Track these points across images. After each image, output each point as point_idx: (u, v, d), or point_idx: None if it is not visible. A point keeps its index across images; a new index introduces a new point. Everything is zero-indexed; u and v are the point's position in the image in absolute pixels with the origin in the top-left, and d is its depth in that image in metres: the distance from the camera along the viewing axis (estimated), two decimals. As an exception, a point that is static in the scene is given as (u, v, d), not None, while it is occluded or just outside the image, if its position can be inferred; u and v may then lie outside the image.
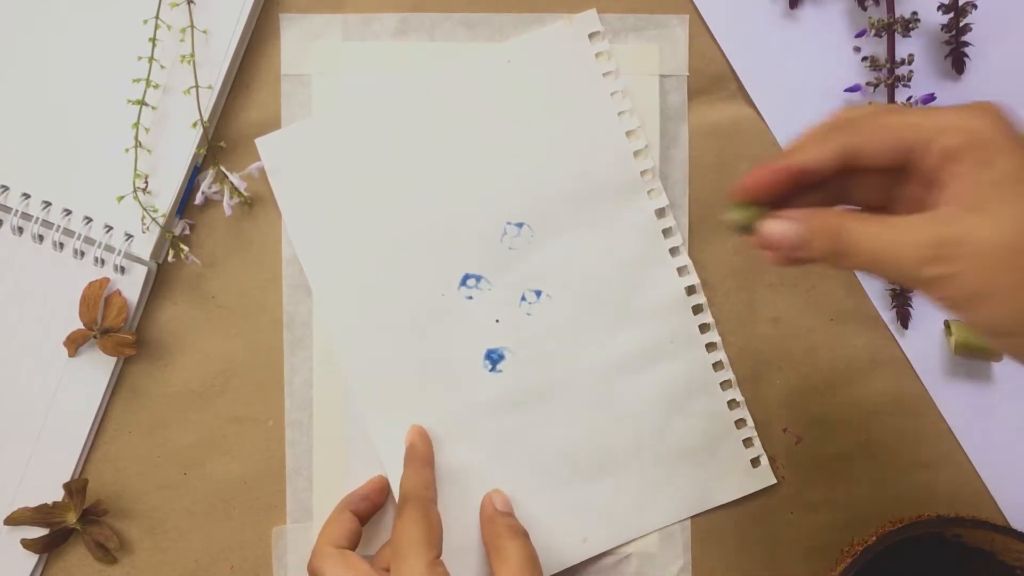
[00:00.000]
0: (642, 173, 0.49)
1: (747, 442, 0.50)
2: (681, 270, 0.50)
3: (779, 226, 0.31)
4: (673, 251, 0.50)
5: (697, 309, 0.50)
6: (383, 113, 0.49)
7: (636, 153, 0.49)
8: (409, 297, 0.49)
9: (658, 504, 0.50)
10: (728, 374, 0.50)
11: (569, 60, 0.49)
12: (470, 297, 0.49)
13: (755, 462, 0.50)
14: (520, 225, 0.49)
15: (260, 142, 0.49)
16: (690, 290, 0.50)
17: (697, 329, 0.50)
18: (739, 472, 0.50)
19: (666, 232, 0.50)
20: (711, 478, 0.50)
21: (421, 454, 0.48)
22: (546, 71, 0.49)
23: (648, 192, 0.49)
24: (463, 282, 0.49)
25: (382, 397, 0.49)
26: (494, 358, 0.50)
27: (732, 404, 0.50)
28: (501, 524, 0.47)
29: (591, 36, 0.50)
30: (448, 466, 0.49)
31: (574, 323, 0.50)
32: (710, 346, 0.50)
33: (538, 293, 0.49)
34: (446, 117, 0.49)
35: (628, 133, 0.49)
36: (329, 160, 0.49)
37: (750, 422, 0.50)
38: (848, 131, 0.31)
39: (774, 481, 0.50)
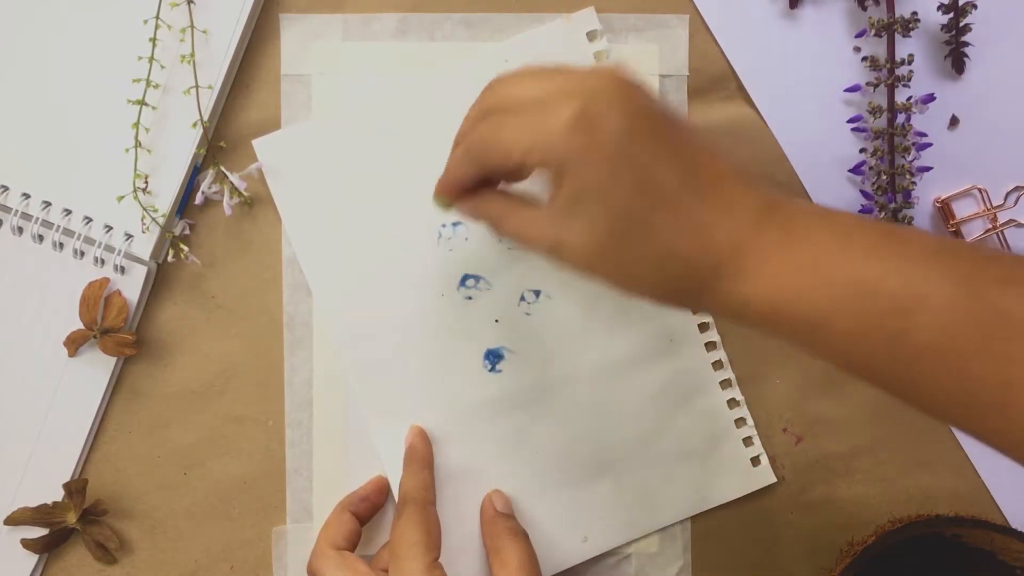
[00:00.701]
0: None
1: (747, 441, 0.50)
2: None
3: (463, 208, 0.41)
4: None
5: None
6: (381, 114, 0.49)
7: None
8: (408, 297, 0.49)
9: (659, 504, 0.50)
10: (728, 373, 0.50)
11: (567, 59, 0.49)
12: (469, 297, 0.49)
13: (755, 461, 0.50)
14: None
15: (258, 143, 0.49)
16: None
17: (696, 328, 0.50)
18: (739, 471, 0.50)
19: None
20: (711, 477, 0.50)
21: (420, 455, 0.48)
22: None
23: None
24: (462, 282, 0.49)
25: (382, 397, 0.49)
26: (493, 358, 0.50)
27: (732, 403, 0.50)
28: (501, 526, 0.47)
29: (589, 34, 0.50)
30: (448, 466, 0.49)
31: (573, 322, 0.49)
32: (709, 345, 0.50)
33: (537, 293, 0.49)
34: (444, 117, 0.49)
35: None
36: (327, 160, 0.49)
37: (750, 421, 0.50)
38: (473, 160, 0.39)
39: (774, 480, 0.50)
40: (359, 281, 0.49)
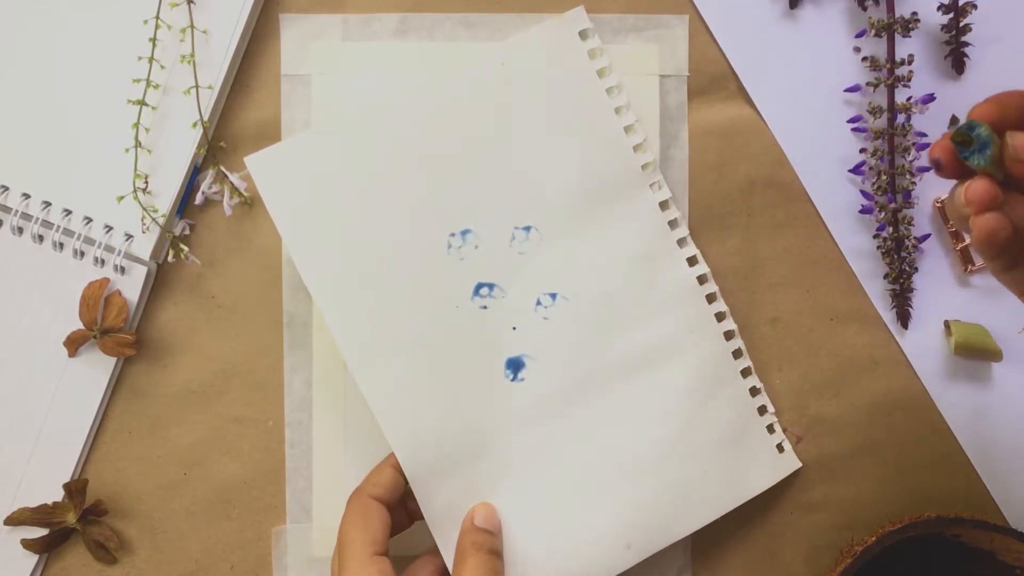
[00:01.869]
0: (643, 167, 0.49)
1: (769, 428, 0.50)
2: (691, 260, 0.49)
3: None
4: (681, 242, 0.49)
5: (711, 298, 0.50)
6: (377, 126, 0.48)
7: (636, 147, 0.49)
8: (422, 312, 0.47)
9: (697, 501, 0.48)
10: (747, 361, 0.50)
11: (563, 59, 0.49)
12: (485, 307, 0.48)
13: (780, 448, 0.50)
14: (528, 228, 0.48)
15: (250, 161, 0.46)
16: (702, 279, 0.50)
17: (713, 318, 0.49)
18: (768, 460, 0.49)
19: (672, 224, 0.49)
20: (742, 469, 0.49)
21: (390, 458, 0.46)
22: (541, 72, 0.49)
23: (651, 185, 0.49)
24: (476, 291, 0.48)
25: (401, 418, 0.47)
26: (515, 366, 0.48)
27: (753, 391, 0.50)
28: (468, 539, 0.45)
29: (581, 33, 0.49)
30: (478, 482, 0.47)
31: (592, 322, 0.48)
32: (728, 334, 0.50)
33: (553, 296, 0.48)
34: (442, 126, 0.48)
35: (627, 128, 0.49)
36: (326, 175, 0.47)
37: (771, 408, 0.50)
38: None
39: (799, 465, 0.50)
40: (369, 299, 0.47)
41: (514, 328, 0.48)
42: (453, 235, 0.48)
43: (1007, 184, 0.33)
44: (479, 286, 0.48)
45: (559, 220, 0.48)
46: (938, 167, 0.34)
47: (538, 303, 0.48)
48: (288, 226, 0.47)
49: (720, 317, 0.50)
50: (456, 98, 0.48)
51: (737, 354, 0.50)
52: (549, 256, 0.48)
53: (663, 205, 0.49)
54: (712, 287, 0.50)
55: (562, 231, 0.49)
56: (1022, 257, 0.34)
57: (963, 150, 0.33)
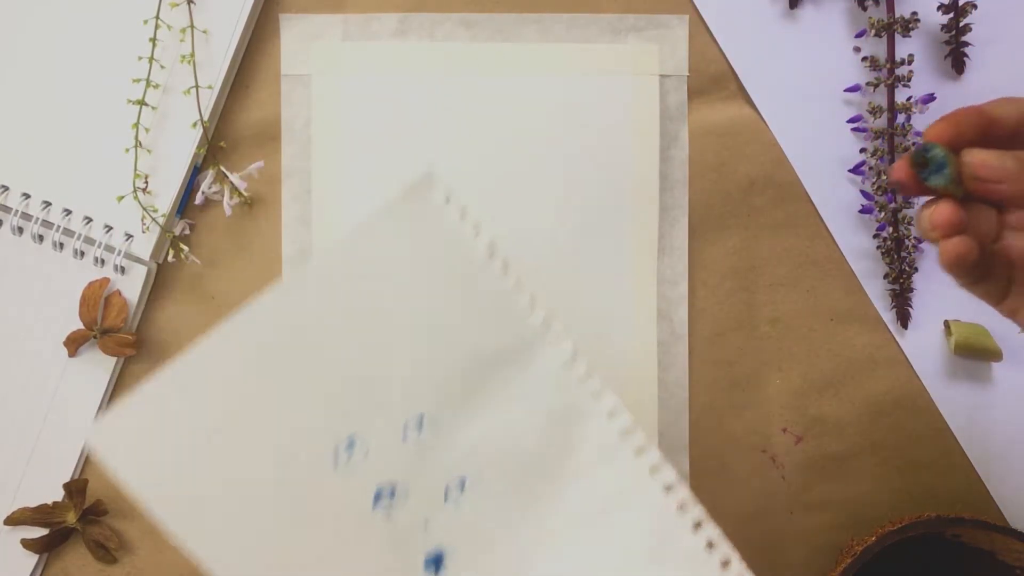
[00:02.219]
0: (541, 323, 0.42)
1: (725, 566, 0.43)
2: (610, 413, 0.42)
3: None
4: (595, 395, 0.43)
5: (640, 451, 0.42)
6: (225, 356, 0.42)
7: (527, 305, 0.42)
8: (323, 540, 0.42)
9: None
10: (697, 514, 0.42)
11: (433, 228, 0.42)
12: (389, 514, 0.42)
13: (726, 565, 0.42)
14: (420, 418, 0.43)
15: (92, 436, 0.39)
16: (626, 432, 0.42)
17: (646, 472, 0.42)
18: None
19: (582, 378, 0.42)
20: None
21: None
22: (404, 248, 0.42)
23: (550, 342, 0.42)
24: (376, 501, 0.43)
25: None
26: (436, 562, 0.43)
27: (711, 545, 0.42)
28: None
29: (441, 194, 0.42)
30: None
31: (510, 499, 0.43)
32: (668, 487, 0.42)
33: (461, 483, 0.43)
34: (302, 335, 0.42)
35: (513, 286, 0.42)
36: (179, 429, 0.41)
37: (738, 561, 0.43)
38: None
39: None
40: (263, 545, 0.42)
41: (426, 523, 0.43)
42: (337, 448, 0.42)
43: (970, 197, 0.33)
44: (378, 495, 0.43)
45: (455, 402, 0.43)
46: (900, 188, 0.34)
47: (447, 494, 0.43)
48: (151, 493, 0.41)
49: (655, 470, 0.42)
50: (311, 303, 0.42)
51: (685, 508, 0.42)
52: (450, 442, 0.43)
53: (568, 361, 0.43)
54: (639, 439, 0.42)
55: (458, 411, 0.43)
56: (990, 269, 0.34)
57: (921, 171, 0.33)
